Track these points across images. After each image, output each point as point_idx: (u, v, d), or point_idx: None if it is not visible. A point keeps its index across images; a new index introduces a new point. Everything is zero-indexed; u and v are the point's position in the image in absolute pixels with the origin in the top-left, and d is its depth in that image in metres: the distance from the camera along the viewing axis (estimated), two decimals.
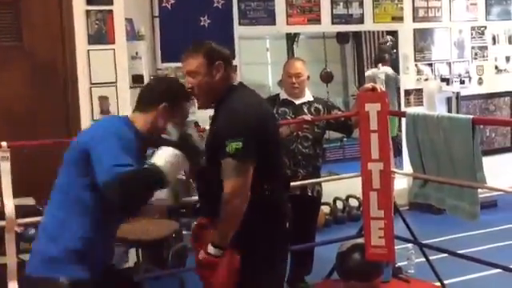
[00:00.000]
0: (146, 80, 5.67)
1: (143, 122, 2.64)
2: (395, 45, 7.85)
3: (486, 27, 7.87)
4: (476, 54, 7.85)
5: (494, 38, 7.95)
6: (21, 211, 3.83)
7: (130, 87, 5.21)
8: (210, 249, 2.73)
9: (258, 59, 10.12)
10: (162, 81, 3.12)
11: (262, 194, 2.76)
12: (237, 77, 5.48)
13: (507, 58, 8.04)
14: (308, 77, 4.61)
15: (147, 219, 4.58)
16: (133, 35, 5.65)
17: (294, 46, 10.06)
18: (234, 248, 2.74)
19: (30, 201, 4.37)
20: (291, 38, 9.92)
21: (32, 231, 4.13)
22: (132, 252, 4.92)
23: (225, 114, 2.78)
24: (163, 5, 6.00)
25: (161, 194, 3.84)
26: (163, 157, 2.43)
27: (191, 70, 2.83)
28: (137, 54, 5.61)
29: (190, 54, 2.85)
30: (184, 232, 5.62)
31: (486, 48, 7.90)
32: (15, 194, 3.53)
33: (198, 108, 3.39)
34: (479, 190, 4.01)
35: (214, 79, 2.82)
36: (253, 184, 2.71)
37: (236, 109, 2.76)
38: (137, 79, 5.56)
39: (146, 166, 2.41)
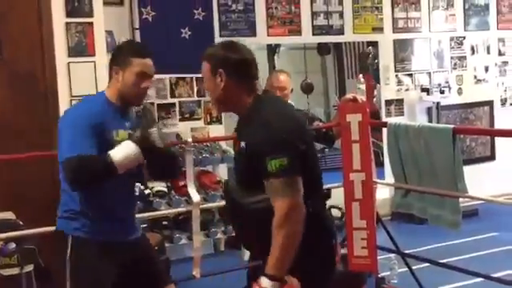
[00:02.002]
0: None
1: (110, 91, 2.91)
2: (376, 55, 7.90)
3: (464, 37, 7.95)
4: (455, 64, 7.92)
5: (472, 48, 8.02)
6: (0, 226, 3.79)
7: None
8: (266, 282, 2.35)
9: None
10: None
11: (306, 212, 2.44)
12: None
13: (486, 68, 8.11)
14: (291, 89, 4.60)
15: None
16: (113, 47, 5.59)
17: (275, 57, 10.09)
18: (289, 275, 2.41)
19: (9, 215, 4.32)
20: (272, 50, 9.95)
21: (12, 245, 4.08)
22: None
23: (258, 129, 2.47)
24: (144, 17, 5.98)
25: None
26: (121, 150, 2.70)
27: (202, 75, 2.67)
28: None
29: (203, 57, 2.65)
30: (166, 244, 5.59)
31: (465, 58, 7.97)
32: None
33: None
34: (460, 200, 4.03)
35: (218, 88, 2.56)
36: None
37: (271, 121, 2.47)
38: None
39: (103, 155, 2.68)
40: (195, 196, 4.34)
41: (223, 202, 5.91)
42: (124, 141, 2.76)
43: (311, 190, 2.50)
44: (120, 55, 2.91)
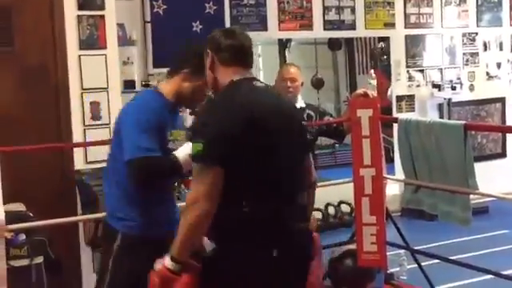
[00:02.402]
0: (138, 85, 5.65)
1: (168, 88, 2.92)
2: (387, 51, 7.87)
3: (477, 34, 7.90)
4: (467, 61, 7.87)
5: (485, 45, 7.97)
6: (11, 217, 3.80)
7: (122, 92, 5.19)
8: (167, 262, 2.32)
9: None
10: (187, 47, 3.06)
11: (238, 211, 2.33)
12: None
13: (498, 65, 8.06)
14: (302, 83, 4.61)
15: None
16: (124, 40, 5.63)
17: (286, 52, 10.08)
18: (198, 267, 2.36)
19: (20, 207, 4.33)
20: (283, 44, 9.93)
21: (22, 237, 4.10)
22: None
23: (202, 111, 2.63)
24: (155, 10, 5.98)
25: None
26: (184, 151, 2.72)
27: None
28: (128, 59, 5.60)
29: None
30: None
31: (477, 54, 7.92)
32: (5, 200, 3.51)
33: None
34: (471, 196, 4.01)
35: (206, 68, 2.58)
36: (229, 196, 2.30)
37: (211, 105, 2.52)
38: (128, 84, 5.54)
39: (168, 156, 2.74)
40: None
41: None
42: (176, 139, 2.84)
43: (252, 190, 2.35)
44: (196, 61, 2.77)
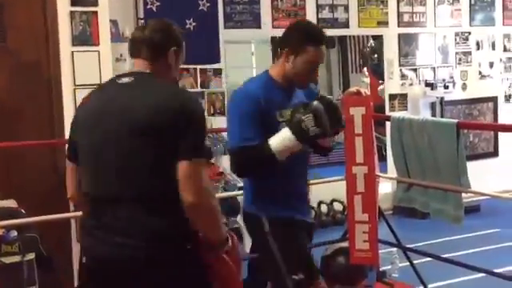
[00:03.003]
0: None
1: (275, 71, 2.94)
2: (380, 49, 7.88)
3: (470, 33, 7.93)
4: (460, 60, 7.90)
5: (477, 44, 8.00)
6: (2, 214, 3.79)
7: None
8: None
9: (244, 63, 10.11)
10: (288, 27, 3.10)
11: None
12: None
13: (491, 64, 8.10)
14: None
15: None
16: (117, 37, 5.61)
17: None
18: None
19: (11, 203, 4.32)
20: (276, 43, 9.92)
21: (14, 233, 4.08)
22: None
23: None
24: (148, 7, 5.97)
25: None
26: (278, 139, 2.75)
27: None
28: (121, 55, 5.58)
29: None
30: None
31: (469, 53, 7.95)
32: None
33: None
34: (463, 195, 4.02)
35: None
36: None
37: None
38: None
39: (264, 145, 2.75)
40: None
41: (225, 194, 5.94)
42: (288, 120, 2.81)
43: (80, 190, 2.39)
44: (294, 39, 2.87)
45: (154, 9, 5.98)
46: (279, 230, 2.93)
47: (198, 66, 6.21)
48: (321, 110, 2.75)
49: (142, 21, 5.96)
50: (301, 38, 2.84)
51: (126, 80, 2.34)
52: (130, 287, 2.19)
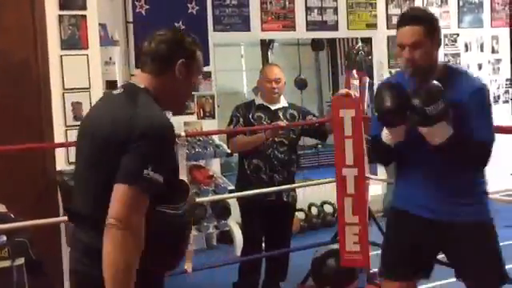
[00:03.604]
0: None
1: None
2: (365, 52, 7.91)
3: (458, 35, 7.96)
4: (449, 61, 7.92)
5: (466, 46, 8.04)
6: None
7: (104, 93, 5.17)
8: None
9: (233, 66, 10.13)
10: None
11: None
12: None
13: (479, 66, 8.13)
14: (284, 82, 4.63)
15: None
16: (106, 40, 5.60)
17: (269, 53, 10.09)
18: None
19: (0, 208, 4.29)
20: (266, 45, 9.94)
21: (3, 238, 4.06)
22: None
23: None
24: (137, 10, 5.96)
25: None
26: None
27: None
28: (110, 59, 5.56)
29: None
30: None
31: (458, 55, 7.98)
32: None
33: None
34: None
35: None
36: None
37: None
38: (110, 85, 5.50)
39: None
40: None
41: (215, 197, 5.92)
42: None
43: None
44: None
45: (143, 12, 5.97)
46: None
47: None
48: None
49: (131, 24, 5.94)
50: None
51: (116, 92, 2.26)
52: None
